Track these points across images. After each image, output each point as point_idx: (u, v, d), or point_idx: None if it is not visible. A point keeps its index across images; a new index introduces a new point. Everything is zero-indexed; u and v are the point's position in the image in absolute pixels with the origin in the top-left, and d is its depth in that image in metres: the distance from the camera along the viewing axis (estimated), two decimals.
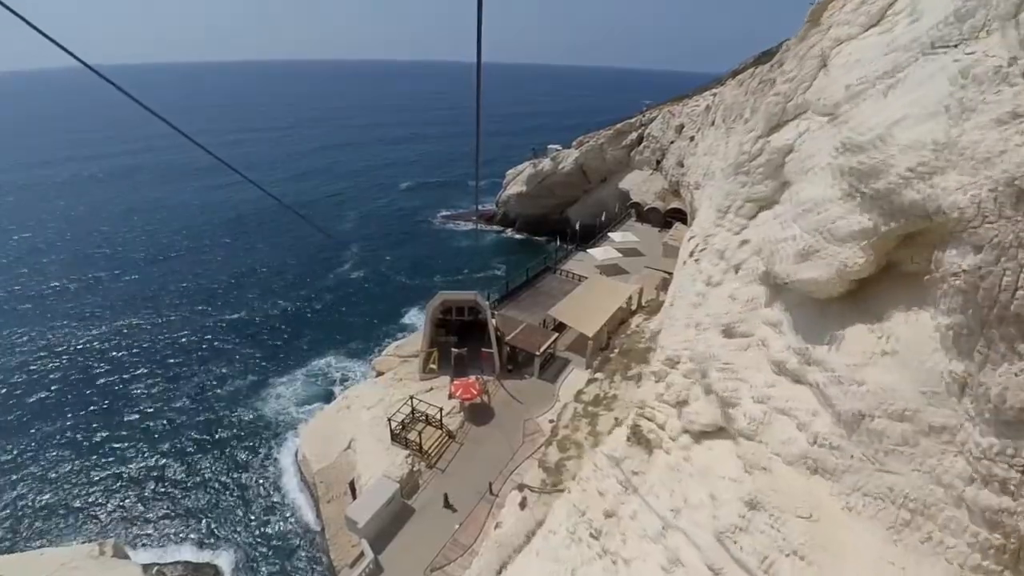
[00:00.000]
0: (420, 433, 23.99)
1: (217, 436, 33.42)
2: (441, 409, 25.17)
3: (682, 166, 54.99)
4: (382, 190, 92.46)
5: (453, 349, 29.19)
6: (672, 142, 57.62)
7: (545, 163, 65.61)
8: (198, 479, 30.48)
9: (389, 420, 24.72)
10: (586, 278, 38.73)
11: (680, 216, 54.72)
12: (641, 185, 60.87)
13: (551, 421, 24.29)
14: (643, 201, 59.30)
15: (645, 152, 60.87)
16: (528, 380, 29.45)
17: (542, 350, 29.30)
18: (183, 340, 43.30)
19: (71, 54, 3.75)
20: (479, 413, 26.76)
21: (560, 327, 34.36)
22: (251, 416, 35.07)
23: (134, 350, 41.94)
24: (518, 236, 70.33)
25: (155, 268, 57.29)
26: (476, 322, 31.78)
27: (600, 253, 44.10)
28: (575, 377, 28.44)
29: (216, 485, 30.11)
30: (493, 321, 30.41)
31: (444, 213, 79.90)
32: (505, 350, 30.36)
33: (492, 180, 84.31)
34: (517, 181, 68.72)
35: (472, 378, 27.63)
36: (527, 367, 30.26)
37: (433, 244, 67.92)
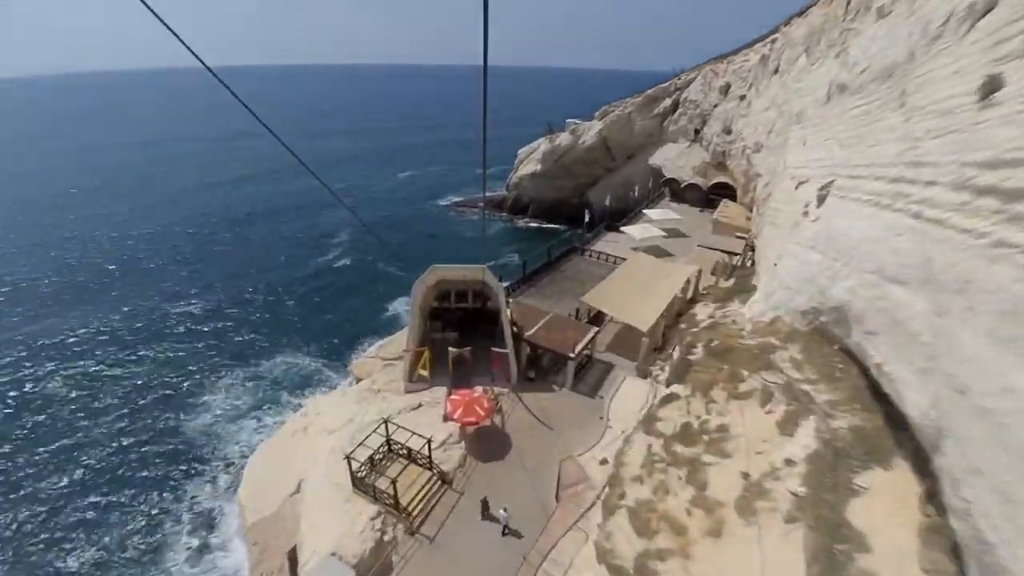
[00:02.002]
0: (395, 480, 15.10)
1: (135, 470, 24.77)
2: (429, 441, 16.31)
3: (729, 133, 46.11)
4: (379, 179, 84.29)
5: (451, 349, 20.34)
6: (715, 106, 48.70)
7: (563, 137, 56.91)
8: (99, 529, 21.81)
9: (348, 459, 15.85)
10: (624, 259, 29.90)
11: (727, 192, 45.75)
12: (676, 159, 51.89)
13: (603, 462, 15.36)
14: (679, 177, 50.33)
15: (681, 120, 51.94)
16: (558, 393, 20.56)
17: (578, 350, 20.40)
18: (121, 334, 34.79)
19: (198, 57, 4.40)
20: (488, 443, 17.92)
21: (596, 319, 25.56)
22: (185, 436, 26.41)
23: (67, 338, 33.58)
24: (531, 224, 61.50)
25: (107, 254, 49.07)
26: (484, 311, 23.03)
27: (638, 231, 35.17)
28: (629, 389, 19.49)
29: (121, 543, 21.41)
30: (508, 310, 21.58)
31: (447, 200, 71.61)
32: (524, 350, 21.52)
33: (501, 167, 76.09)
34: (531, 159, 60.06)
35: (478, 390, 18.85)
36: (555, 374, 21.41)
37: (433, 233, 59.29)
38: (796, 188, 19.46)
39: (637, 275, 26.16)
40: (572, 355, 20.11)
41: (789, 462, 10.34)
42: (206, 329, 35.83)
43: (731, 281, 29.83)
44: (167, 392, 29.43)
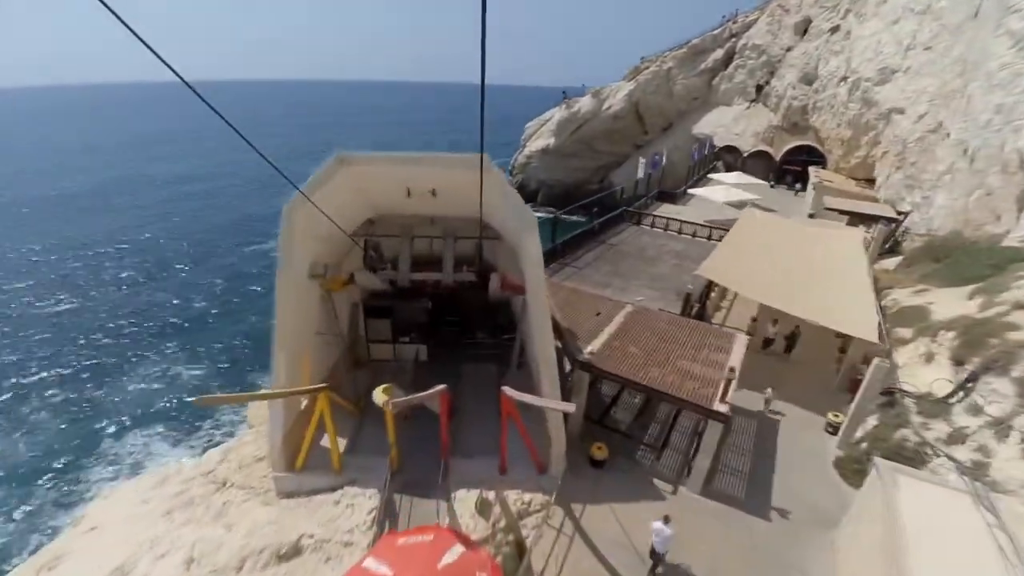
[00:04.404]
0: None
1: None
2: None
3: (811, 82, 34.38)
4: None
5: (379, 395, 7.67)
6: (788, 50, 37.10)
7: (583, 103, 45.06)
8: None
9: None
10: (722, 229, 17.68)
11: (811, 158, 33.68)
12: (732, 126, 40.03)
13: None
14: (739, 147, 38.44)
15: (737, 75, 40.17)
16: (672, 501, 7.94)
17: (725, 393, 7.83)
18: None
19: (175, 72, 3.27)
20: None
21: (700, 313, 13.12)
22: None
23: None
24: (540, 213, 49.05)
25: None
26: (479, 297, 10.57)
27: (719, 194, 22.91)
28: (919, 515, 6.64)
29: None
30: (544, 295, 8.92)
31: None
32: (580, 390, 8.89)
33: (499, 160, 64.63)
34: (542, 133, 48.09)
35: (460, 540, 6.30)
36: (658, 448, 8.82)
37: None
38: None
39: (772, 244, 13.89)
40: (722, 410, 7.57)
41: None
42: (65, 339, 23.11)
43: (895, 258, 18.03)
44: None
